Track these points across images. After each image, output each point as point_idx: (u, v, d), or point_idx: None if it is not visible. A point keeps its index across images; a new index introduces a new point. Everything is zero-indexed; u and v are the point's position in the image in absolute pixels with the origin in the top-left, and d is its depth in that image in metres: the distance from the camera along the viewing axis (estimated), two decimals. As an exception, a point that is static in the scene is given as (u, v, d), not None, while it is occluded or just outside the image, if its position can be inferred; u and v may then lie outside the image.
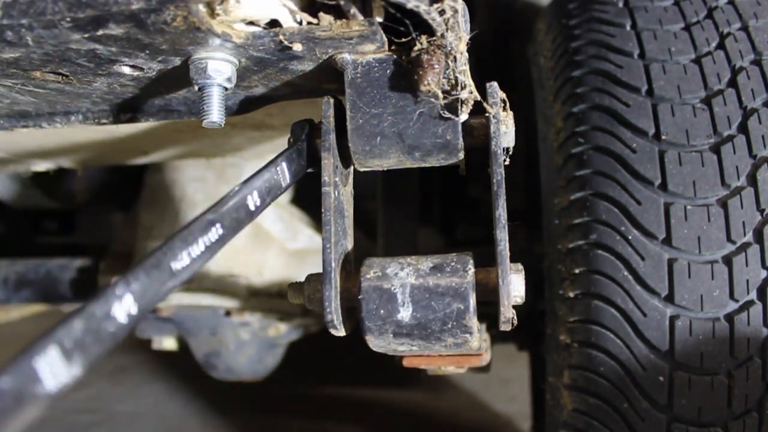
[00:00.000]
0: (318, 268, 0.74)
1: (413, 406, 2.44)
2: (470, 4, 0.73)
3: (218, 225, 0.62)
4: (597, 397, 0.92)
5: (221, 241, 0.62)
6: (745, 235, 0.88)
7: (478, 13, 1.82)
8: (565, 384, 0.97)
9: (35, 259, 1.89)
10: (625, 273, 0.89)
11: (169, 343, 1.92)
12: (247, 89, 0.82)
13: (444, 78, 0.70)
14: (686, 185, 0.89)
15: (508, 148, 0.76)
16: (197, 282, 1.68)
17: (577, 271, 0.94)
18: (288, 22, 0.65)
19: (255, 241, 1.73)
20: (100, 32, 0.60)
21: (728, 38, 0.98)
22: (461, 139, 0.73)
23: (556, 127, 1.03)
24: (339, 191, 0.77)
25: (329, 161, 0.75)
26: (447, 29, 0.67)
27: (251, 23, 0.65)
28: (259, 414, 2.39)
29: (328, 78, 0.77)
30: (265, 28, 0.65)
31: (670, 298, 0.88)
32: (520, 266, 0.71)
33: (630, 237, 0.90)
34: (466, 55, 0.70)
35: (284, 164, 0.75)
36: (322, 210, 0.74)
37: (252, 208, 0.68)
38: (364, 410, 2.43)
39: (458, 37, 0.68)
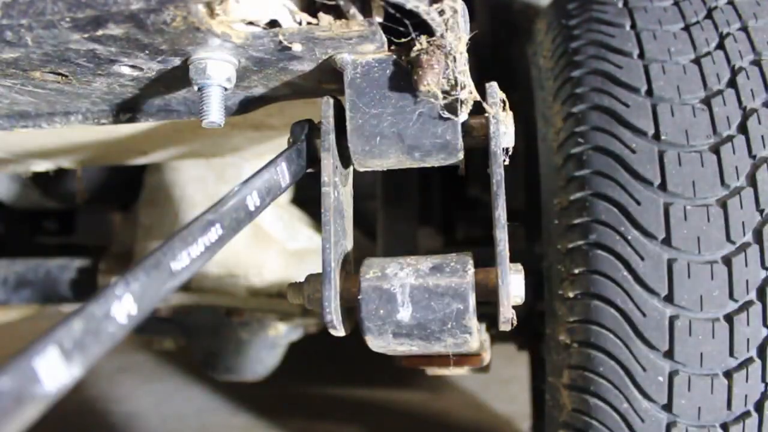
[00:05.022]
0: (318, 268, 0.74)
1: (413, 406, 2.44)
2: (470, 4, 0.73)
3: (218, 225, 0.62)
4: (597, 397, 0.92)
5: (221, 242, 0.62)
6: (744, 235, 0.88)
7: (478, 13, 1.82)
8: (564, 384, 0.97)
9: (35, 259, 1.89)
10: (625, 273, 0.89)
11: (168, 343, 1.92)
12: (247, 89, 0.82)
13: (443, 78, 0.70)
14: (686, 185, 0.89)
15: (507, 148, 0.76)
16: (197, 282, 1.68)
17: (576, 271, 0.94)
18: (287, 23, 0.65)
19: (255, 241, 1.73)
20: (99, 32, 0.60)
21: (728, 38, 0.98)
22: (461, 139, 0.73)
23: (555, 127, 1.03)
24: (339, 191, 0.77)
25: (329, 161, 0.75)
26: (446, 29, 0.67)
27: (251, 23, 0.65)
28: (259, 414, 2.39)
29: (328, 78, 0.77)
30: (264, 29, 0.65)
31: (669, 298, 0.88)
32: (519, 266, 0.71)
33: (629, 237, 0.90)
34: (466, 55, 0.70)
35: (284, 164, 0.75)
36: (322, 210, 0.74)
37: (252, 208, 0.68)
38: (364, 410, 2.43)
39: (458, 37, 0.68)
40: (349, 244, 0.81)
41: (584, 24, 1.05)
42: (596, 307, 0.91)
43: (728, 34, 0.98)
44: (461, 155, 0.76)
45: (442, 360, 0.90)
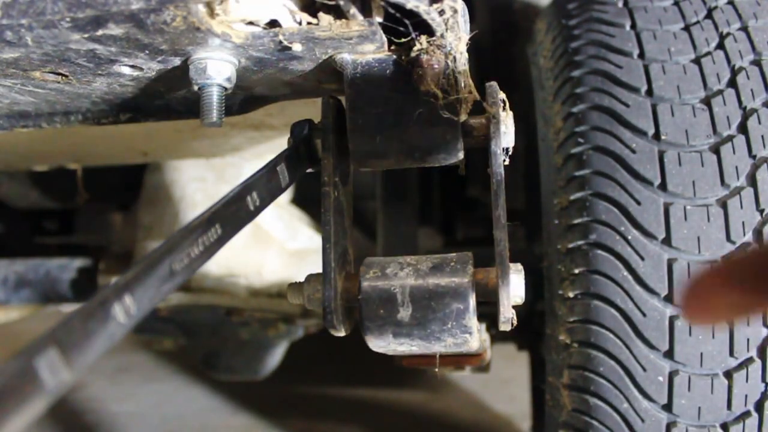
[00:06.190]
0: (318, 268, 0.74)
1: (413, 406, 2.44)
2: (470, 4, 0.73)
3: (218, 225, 0.62)
4: (597, 397, 0.92)
5: (221, 241, 0.62)
6: (744, 235, 0.88)
7: (478, 13, 1.82)
8: (564, 384, 0.97)
9: (35, 259, 1.89)
10: (625, 273, 0.89)
11: (168, 343, 1.92)
12: (247, 89, 0.82)
13: (444, 78, 0.70)
14: (686, 185, 0.89)
15: (508, 148, 0.76)
16: (197, 282, 1.68)
17: (576, 271, 0.94)
18: (288, 22, 0.65)
19: (255, 241, 1.73)
20: (99, 32, 0.60)
21: (728, 38, 0.98)
22: (461, 140, 0.73)
23: (555, 127, 1.03)
24: (339, 191, 0.77)
25: (329, 161, 0.75)
26: (447, 29, 0.67)
27: (251, 23, 0.65)
28: (259, 414, 2.39)
29: (328, 78, 0.77)
30: (264, 28, 0.65)
31: (669, 298, 0.88)
32: (519, 266, 0.71)
33: (630, 237, 0.90)
34: (466, 55, 0.70)
35: (284, 164, 0.75)
36: (322, 210, 0.74)
37: (252, 208, 0.68)
38: (364, 410, 2.43)
39: (458, 37, 0.68)
40: (349, 245, 0.81)
41: (584, 24, 1.05)
42: (596, 307, 0.91)
43: (728, 34, 0.98)
44: (461, 155, 0.76)
45: (442, 360, 0.90)
